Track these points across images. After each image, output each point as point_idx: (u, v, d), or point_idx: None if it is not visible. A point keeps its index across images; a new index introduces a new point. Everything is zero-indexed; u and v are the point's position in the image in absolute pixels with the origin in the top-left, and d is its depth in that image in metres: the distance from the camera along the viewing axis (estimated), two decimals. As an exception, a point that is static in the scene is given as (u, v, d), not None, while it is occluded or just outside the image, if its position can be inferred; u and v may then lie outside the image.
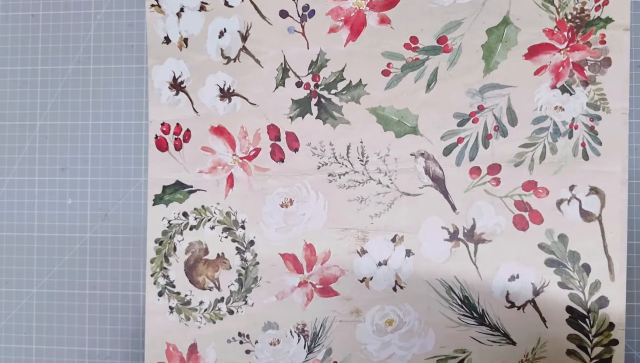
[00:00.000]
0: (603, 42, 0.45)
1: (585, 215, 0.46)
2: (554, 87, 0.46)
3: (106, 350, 0.57)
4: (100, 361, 0.57)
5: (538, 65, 0.46)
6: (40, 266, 0.61)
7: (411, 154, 0.49)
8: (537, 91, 0.46)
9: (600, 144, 0.45)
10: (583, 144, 0.46)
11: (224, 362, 0.53)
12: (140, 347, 0.58)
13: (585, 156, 0.45)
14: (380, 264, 0.50)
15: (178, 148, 0.54)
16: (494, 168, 0.47)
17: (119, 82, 0.58)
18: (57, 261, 0.60)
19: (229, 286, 0.53)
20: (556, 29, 0.46)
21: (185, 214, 0.54)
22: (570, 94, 0.46)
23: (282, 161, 0.52)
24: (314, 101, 0.51)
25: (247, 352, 0.53)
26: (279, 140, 0.52)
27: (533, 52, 0.47)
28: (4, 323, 0.60)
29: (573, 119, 0.46)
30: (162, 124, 0.54)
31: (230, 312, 0.53)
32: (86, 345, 0.57)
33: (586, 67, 0.46)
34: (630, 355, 0.50)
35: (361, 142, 0.50)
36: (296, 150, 0.51)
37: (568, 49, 0.46)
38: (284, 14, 0.51)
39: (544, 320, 0.47)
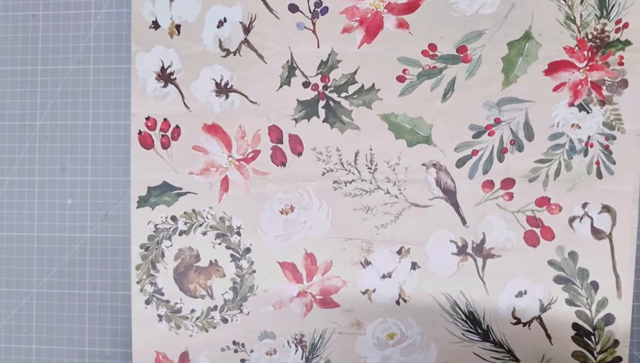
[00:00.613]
0: (621, 63, 0.46)
1: (597, 233, 0.46)
2: (571, 104, 0.46)
3: (106, 350, 0.57)
4: (100, 361, 0.57)
5: (557, 82, 0.46)
6: (40, 266, 0.61)
7: (423, 165, 0.48)
8: (555, 107, 0.46)
9: (614, 163, 0.46)
10: (597, 163, 0.46)
11: None
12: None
13: (599, 175, 0.46)
14: (384, 276, 0.49)
15: (165, 146, 0.50)
16: (508, 183, 0.47)
17: (119, 82, 0.57)
18: (57, 261, 0.61)
19: (222, 294, 0.51)
20: (576, 48, 0.46)
21: (173, 218, 0.51)
22: (588, 112, 0.46)
23: (284, 165, 0.50)
24: (321, 103, 0.49)
25: (242, 361, 0.52)
26: (281, 143, 0.50)
27: (553, 68, 0.46)
28: (4, 323, 0.61)
29: (589, 137, 0.46)
30: (147, 118, 0.51)
31: (225, 321, 0.51)
32: (86, 345, 0.58)
33: (604, 87, 0.46)
34: (630, 355, 0.52)
35: (370, 149, 0.48)
36: (300, 154, 0.49)
37: (587, 68, 0.46)
38: (293, 8, 0.49)
39: (549, 337, 0.48)
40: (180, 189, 0.52)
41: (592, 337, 0.48)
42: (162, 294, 0.53)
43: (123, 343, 0.55)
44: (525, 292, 0.49)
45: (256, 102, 0.51)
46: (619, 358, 0.48)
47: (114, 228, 0.56)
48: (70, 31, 0.61)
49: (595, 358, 0.48)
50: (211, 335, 0.53)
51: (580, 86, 0.47)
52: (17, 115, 0.61)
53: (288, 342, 0.52)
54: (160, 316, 0.53)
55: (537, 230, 0.48)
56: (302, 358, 0.52)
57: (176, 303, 0.53)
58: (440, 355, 0.51)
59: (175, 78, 0.52)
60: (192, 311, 0.53)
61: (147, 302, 0.53)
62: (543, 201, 0.48)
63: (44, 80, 0.61)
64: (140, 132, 0.52)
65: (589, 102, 0.47)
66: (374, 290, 0.51)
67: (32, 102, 0.61)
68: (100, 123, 0.58)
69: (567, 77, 0.47)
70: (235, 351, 0.53)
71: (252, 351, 0.53)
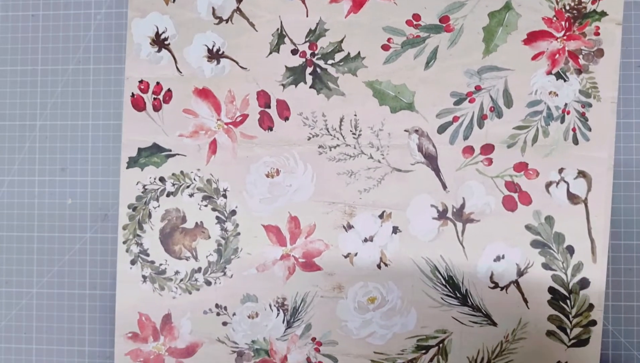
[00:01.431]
0: (597, 34, 0.48)
1: (572, 198, 0.48)
2: (549, 73, 0.48)
3: (106, 350, 0.58)
4: (100, 361, 0.58)
5: (535, 51, 0.48)
6: (40, 266, 0.62)
7: (405, 130, 0.50)
8: (534, 75, 0.48)
9: (590, 130, 0.48)
10: (574, 129, 0.48)
11: (199, 333, 0.52)
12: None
13: (575, 141, 0.48)
14: (366, 240, 0.50)
15: (157, 108, 0.52)
16: (487, 148, 0.49)
17: (119, 82, 0.59)
18: (57, 261, 0.61)
19: (207, 256, 0.52)
20: (554, 18, 0.48)
21: (162, 179, 0.52)
22: (565, 80, 0.48)
23: (271, 130, 0.51)
24: (309, 70, 0.51)
25: (224, 324, 0.52)
26: (269, 107, 0.51)
27: (532, 38, 0.48)
28: (4, 323, 0.61)
29: (566, 104, 0.48)
30: (140, 81, 0.52)
31: (208, 283, 0.52)
32: (86, 345, 0.59)
33: (580, 56, 0.48)
34: (630, 355, 0.54)
35: (355, 115, 0.50)
36: (286, 119, 0.51)
37: (565, 37, 0.48)
38: (284, -23, 0.50)
39: (525, 301, 0.48)
40: (170, 151, 0.54)
41: (568, 301, 0.49)
42: (148, 255, 0.54)
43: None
44: (503, 257, 0.50)
45: (246, 68, 0.53)
46: (594, 322, 0.49)
47: (113, 228, 0.57)
48: (70, 31, 0.62)
49: (570, 322, 0.49)
50: (194, 298, 0.54)
51: (557, 55, 0.49)
52: (17, 115, 0.62)
53: (270, 305, 0.53)
54: (144, 277, 0.54)
55: (515, 195, 0.50)
56: (283, 322, 0.53)
57: (161, 264, 0.54)
58: (419, 319, 0.52)
59: (169, 43, 0.54)
60: (177, 272, 0.54)
61: (132, 262, 0.54)
62: (521, 167, 0.50)
63: (44, 80, 0.62)
64: (133, 95, 0.54)
65: (566, 70, 0.49)
66: (356, 254, 0.52)
67: (32, 102, 0.62)
68: (100, 123, 0.59)
69: (545, 46, 0.49)
70: (218, 314, 0.54)
71: (234, 314, 0.54)
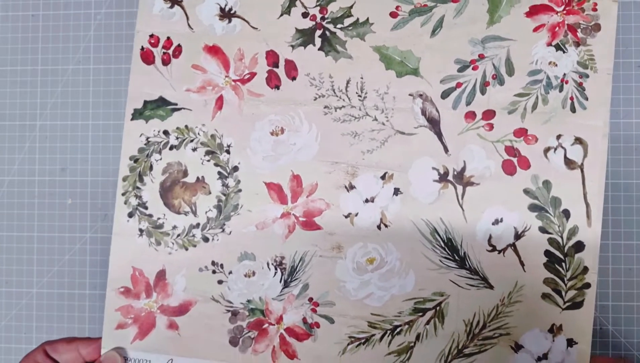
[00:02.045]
0: (595, 9, 0.51)
1: (569, 163, 0.50)
2: (549, 44, 0.50)
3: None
4: None
5: (537, 23, 0.51)
6: (40, 266, 0.62)
7: (410, 95, 0.51)
8: (535, 46, 0.51)
9: (587, 99, 0.50)
10: (572, 98, 0.50)
11: (193, 291, 0.52)
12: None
13: (573, 109, 0.50)
14: (367, 201, 0.51)
15: (166, 62, 0.53)
16: (489, 114, 0.50)
17: (119, 82, 0.61)
18: (57, 261, 0.62)
19: (206, 212, 0.52)
20: (555, -7, 0.51)
21: (166, 132, 0.52)
22: (564, 52, 0.50)
23: (278, 88, 0.52)
24: (318, 32, 0.52)
25: (220, 282, 0.52)
26: (277, 67, 0.53)
27: (534, 11, 0.51)
28: (4, 323, 0.62)
29: (564, 74, 0.50)
30: (151, 36, 0.53)
31: (205, 239, 0.51)
32: None
33: (579, 30, 0.50)
34: (630, 355, 0.56)
35: (361, 78, 0.52)
36: (294, 79, 0.52)
37: (564, 12, 0.51)
38: (299, -60, 0.52)
39: (522, 264, 0.50)
40: (176, 104, 0.54)
41: (563, 264, 0.51)
42: (146, 208, 0.54)
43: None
44: (502, 220, 0.51)
45: (257, 28, 0.54)
46: (588, 285, 0.50)
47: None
48: (70, 31, 0.63)
49: (565, 285, 0.51)
50: (190, 254, 0.53)
51: (557, 28, 0.52)
52: (17, 115, 0.63)
53: (268, 264, 0.53)
54: (141, 230, 0.54)
55: (515, 159, 0.51)
56: (280, 281, 0.53)
57: (159, 218, 0.54)
58: (417, 281, 0.52)
59: (182, 0, 0.55)
60: (174, 227, 0.54)
61: (130, 215, 0.54)
62: (521, 132, 0.51)
63: (44, 80, 0.62)
64: (142, 48, 0.54)
65: (565, 43, 0.51)
66: (357, 214, 0.53)
67: (32, 102, 0.63)
68: (100, 123, 0.61)
69: (546, 19, 0.52)
70: (214, 272, 0.53)
71: (230, 272, 0.53)
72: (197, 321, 0.53)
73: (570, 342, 0.50)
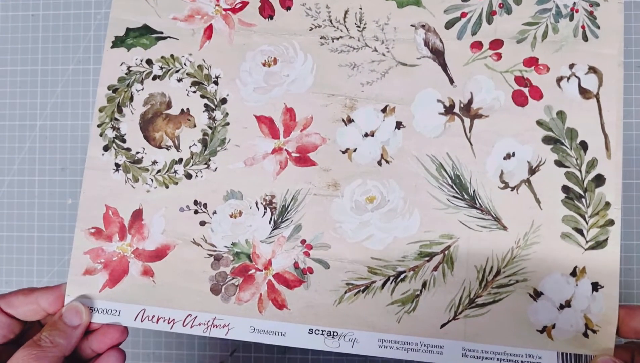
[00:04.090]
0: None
1: (584, 93, 0.47)
2: (557, -27, 0.48)
3: None
4: None
5: (544, -50, 0.49)
6: (40, 266, 0.62)
7: (412, 25, 0.49)
8: (543, -26, 0.48)
9: (599, 28, 0.48)
10: (583, 27, 0.48)
11: (172, 233, 0.47)
12: (140, 347, 0.61)
13: (585, 38, 0.47)
14: (366, 135, 0.48)
15: (151, -11, 0.50)
16: (496, 43, 0.48)
17: None
18: (57, 261, 0.62)
19: (190, 146, 0.48)
20: None
21: (149, 62, 0.49)
22: (573, -20, 0.48)
23: (271, 18, 0.50)
24: (314, -41, 0.50)
25: (202, 223, 0.47)
26: (271, -4, 0.50)
27: (540, -63, 0.49)
28: None
29: (574, 3, 0.49)
30: None
31: (188, 176, 0.47)
32: None
33: (588, -42, 0.48)
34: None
35: (360, 8, 0.50)
36: (289, 8, 0.50)
37: (572, -61, 0.49)
38: None
39: (538, 202, 0.46)
40: (161, 33, 0.51)
41: (583, 200, 0.46)
42: (124, 141, 0.49)
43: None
44: (514, 154, 0.48)
45: (250, -44, 0.52)
46: (611, 221, 0.46)
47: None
48: (70, 31, 0.63)
49: (586, 222, 0.46)
50: (171, 192, 0.49)
51: (565, -44, 0.50)
52: (17, 115, 0.63)
53: (256, 204, 0.48)
54: (117, 165, 0.49)
55: (526, 90, 0.48)
56: (270, 222, 0.48)
57: (137, 153, 0.49)
58: (423, 222, 0.48)
59: None
60: (154, 163, 0.49)
61: (105, 148, 0.49)
62: (531, 62, 0.49)
63: (44, 80, 0.63)
64: (126, -27, 0.52)
65: (573, -30, 0.50)
66: (355, 149, 0.49)
67: (32, 102, 0.63)
68: None
69: (553, -54, 0.50)
70: (196, 212, 0.49)
71: (214, 213, 0.49)
72: (175, 267, 0.48)
73: (596, 286, 0.46)
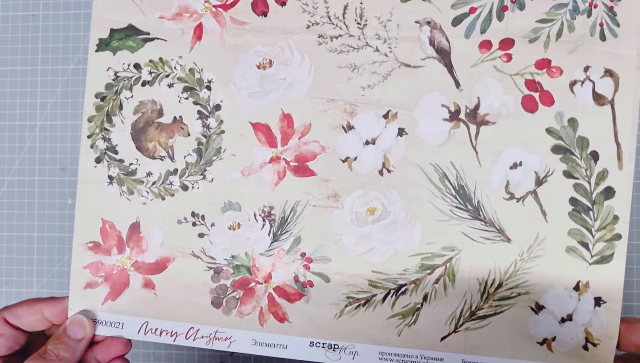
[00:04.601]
0: None
1: (598, 98, 0.44)
2: (576, -38, 0.44)
3: None
4: None
5: (562, -63, 0.44)
6: (40, 266, 0.63)
7: (416, 22, 0.46)
8: (560, -36, 0.44)
9: (618, 25, 0.45)
10: (601, 24, 0.44)
11: (171, 246, 0.47)
12: (140, 347, 0.61)
13: (603, 37, 0.44)
14: (367, 143, 0.46)
15: (136, -15, 0.47)
16: (507, 43, 0.45)
17: None
18: (57, 261, 0.62)
19: (185, 156, 0.47)
20: None
21: (137, 66, 0.47)
22: (593, -29, 0.44)
23: (265, 15, 0.46)
24: (311, -51, 0.46)
25: (201, 235, 0.47)
26: (264, -9, 0.46)
27: None
28: None
29: None
30: None
31: (184, 188, 0.46)
32: None
33: (610, -54, 0.44)
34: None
35: (361, 3, 0.46)
36: (283, 4, 0.47)
37: None
38: None
39: (544, 214, 0.44)
40: (148, 34, 0.48)
41: (591, 213, 0.45)
42: (116, 152, 0.48)
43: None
44: (521, 163, 0.46)
45: (240, -54, 0.48)
46: (619, 236, 0.45)
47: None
48: (70, 31, 0.63)
49: (593, 236, 0.45)
50: (168, 204, 0.48)
51: (585, -57, 0.46)
52: (17, 115, 0.63)
53: (255, 215, 0.48)
54: (111, 178, 0.48)
55: (536, 95, 0.46)
56: (269, 234, 0.48)
57: (131, 164, 0.48)
58: (425, 234, 0.47)
59: None
60: (149, 174, 0.48)
61: (98, 161, 0.48)
62: (543, 63, 0.46)
63: (44, 80, 0.63)
64: (107, -33, 0.48)
65: (593, -40, 0.46)
66: (355, 158, 0.47)
67: (32, 102, 0.63)
68: None
69: None
70: (194, 224, 0.48)
71: (212, 224, 0.48)
72: (176, 279, 0.48)
73: (598, 301, 0.45)
